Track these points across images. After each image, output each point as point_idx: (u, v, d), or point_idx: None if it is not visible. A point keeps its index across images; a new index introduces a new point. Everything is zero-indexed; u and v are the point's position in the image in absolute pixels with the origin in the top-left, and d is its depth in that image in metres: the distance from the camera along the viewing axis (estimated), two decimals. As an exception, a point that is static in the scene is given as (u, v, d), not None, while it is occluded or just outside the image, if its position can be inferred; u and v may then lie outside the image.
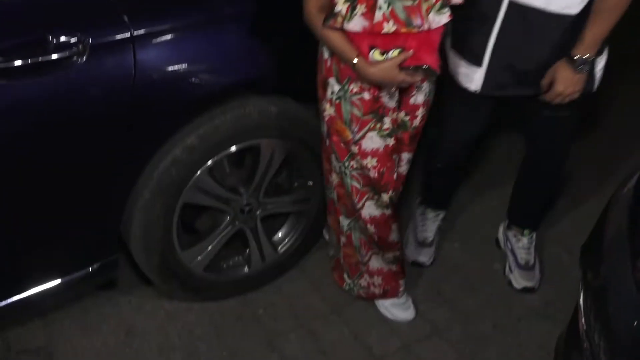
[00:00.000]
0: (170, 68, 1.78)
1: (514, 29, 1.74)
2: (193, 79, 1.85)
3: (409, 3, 1.57)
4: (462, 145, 2.19)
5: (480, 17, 1.76)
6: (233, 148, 1.99)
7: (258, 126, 2.00)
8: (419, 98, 1.87)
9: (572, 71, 1.77)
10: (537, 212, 2.38)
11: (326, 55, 1.80)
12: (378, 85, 1.75)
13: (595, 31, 1.73)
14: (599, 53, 1.82)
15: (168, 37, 1.76)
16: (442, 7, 1.60)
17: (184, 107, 1.86)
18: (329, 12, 1.62)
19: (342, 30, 1.63)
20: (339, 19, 1.60)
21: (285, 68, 1.99)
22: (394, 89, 1.79)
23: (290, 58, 2.00)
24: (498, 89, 1.89)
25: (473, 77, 1.87)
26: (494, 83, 1.86)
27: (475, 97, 1.92)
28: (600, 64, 1.87)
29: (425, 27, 1.60)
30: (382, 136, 1.84)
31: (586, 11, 1.70)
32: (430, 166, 2.34)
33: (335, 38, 1.66)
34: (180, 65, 1.80)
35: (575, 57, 1.76)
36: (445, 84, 1.96)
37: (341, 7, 1.60)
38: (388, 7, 1.57)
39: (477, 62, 1.83)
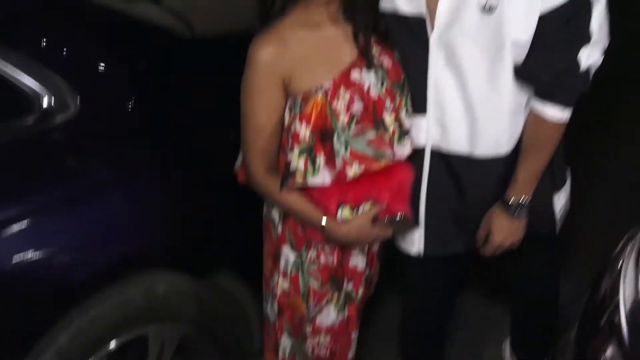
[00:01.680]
0: (20, 258, 1.37)
1: (443, 179, 1.52)
2: (54, 268, 1.43)
3: (373, 135, 1.38)
4: (435, 318, 1.85)
5: None
6: (113, 344, 1.55)
7: (143, 311, 1.58)
8: (359, 263, 1.58)
9: (508, 218, 1.52)
10: (540, 343, 2.01)
11: (276, 220, 1.52)
12: (345, 246, 1.49)
13: (528, 169, 1.49)
14: (556, 188, 1.60)
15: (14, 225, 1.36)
16: (401, 135, 1.44)
17: (47, 302, 1.44)
18: (285, 172, 1.38)
19: (302, 190, 1.40)
20: (299, 177, 1.37)
21: (174, 238, 1.63)
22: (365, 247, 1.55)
23: (180, 226, 1.64)
24: (443, 247, 1.61)
25: (413, 239, 1.60)
26: (437, 241, 1.59)
27: (424, 262, 1.62)
28: (561, 201, 1.64)
29: (396, 156, 1.44)
30: (338, 309, 1.56)
31: (518, 149, 1.51)
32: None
33: (296, 200, 1.42)
34: (35, 252, 1.39)
35: (509, 202, 1.51)
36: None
37: (297, 162, 1.37)
38: (346, 149, 1.37)
39: (414, 223, 1.57)
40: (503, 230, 1.53)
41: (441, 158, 1.50)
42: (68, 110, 1.49)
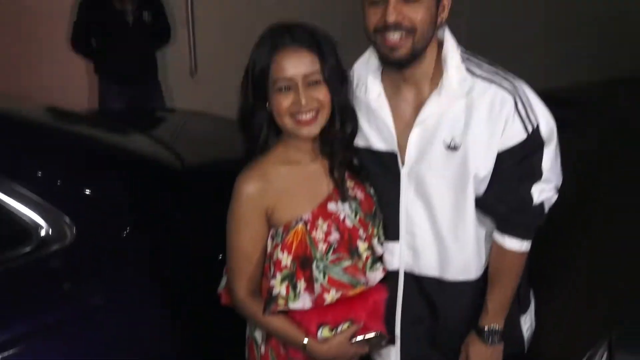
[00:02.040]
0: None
1: (416, 301, 1.56)
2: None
3: (348, 263, 1.44)
4: None
5: None
6: None
7: None
8: None
9: (484, 345, 1.56)
10: None
11: (259, 340, 1.54)
12: None
13: (496, 298, 1.53)
14: (522, 311, 1.64)
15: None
16: (373, 262, 1.49)
17: None
18: (267, 297, 1.42)
19: (285, 312, 1.43)
20: (281, 302, 1.41)
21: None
22: None
23: (170, 346, 1.66)
24: None
25: (389, 356, 1.62)
26: (413, 358, 1.61)
27: None
28: (527, 323, 1.68)
29: (369, 283, 1.48)
30: None
31: (487, 275, 1.57)
32: None
33: (278, 322, 1.45)
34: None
35: (483, 330, 1.56)
36: None
37: (279, 288, 1.41)
38: (324, 276, 1.42)
39: (390, 341, 1.59)
40: (480, 356, 1.55)
41: (414, 280, 1.55)
42: (65, 239, 1.54)
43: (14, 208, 1.53)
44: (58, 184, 1.66)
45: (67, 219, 1.57)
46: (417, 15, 1.35)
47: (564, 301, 3.06)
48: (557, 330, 2.74)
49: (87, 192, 1.69)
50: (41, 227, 1.54)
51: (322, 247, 1.42)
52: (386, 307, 1.56)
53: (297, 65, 1.36)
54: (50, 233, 1.55)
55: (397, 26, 1.34)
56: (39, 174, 1.65)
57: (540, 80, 7.04)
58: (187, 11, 4.45)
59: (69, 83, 4.23)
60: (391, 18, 1.33)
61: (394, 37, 1.35)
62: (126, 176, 1.81)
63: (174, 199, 1.82)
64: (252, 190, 1.41)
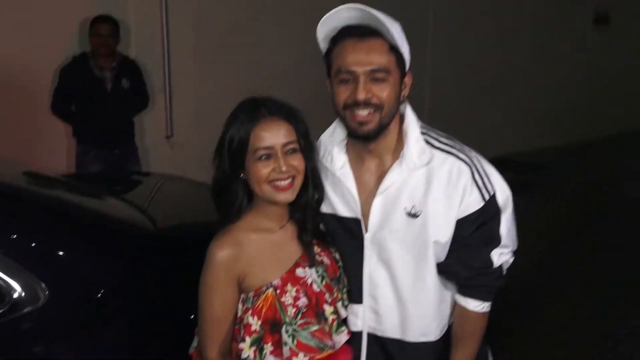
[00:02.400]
0: None
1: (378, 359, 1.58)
2: None
3: (316, 328, 1.45)
4: None
5: None
6: None
7: None
8: None
9: None
10: None
11: None
12: None
13: (460, 358, 1.57)
14: None
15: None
16: (338, 325, 1.50)
17: None
18: (236, 359, 1.43)
19: None
20: None
21: None
22: None
23: None
24: None
25: None
26: None
27: None
28: None
29: (336, 346, 1.48)
30: None
31: (448, 335, 1.60)
32: None
33: None
34: None
35: None
36: None
37: (248, 352, 1.42)
38: (293, 340, 1.42)
39: None
40: None
41: (377, 341, 1.57)
42: (37, 301, 1.55)
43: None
44: (32, 247, 1.68)
45: (40, 282, 1.58)
46: (384, 93, 1.41)
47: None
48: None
49: (61, 255, 1.71)
50: (14, 290, 1.55)
51: (291, 311, 1.43)
52: None
53: (276, 134, 1.41)
54: (23, 295, 1.55)
55: (366, 103, 1.40)
56: (13, 237, 1.67)
57: (507, 146, 7.28)
58: (164, 80, 4.57)
59: (48, 146, 4.26)
60: (361, 96, 1.39)
61: (363, 113, 1.40)
62: (99, 240, 1.83)
63: (147, 261, 1.83)
64: (225, 257, 1.42)
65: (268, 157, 1.41)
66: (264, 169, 1.41)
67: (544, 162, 6.71)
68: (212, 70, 4.78)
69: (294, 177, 1.43)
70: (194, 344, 1.58)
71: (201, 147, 4.59)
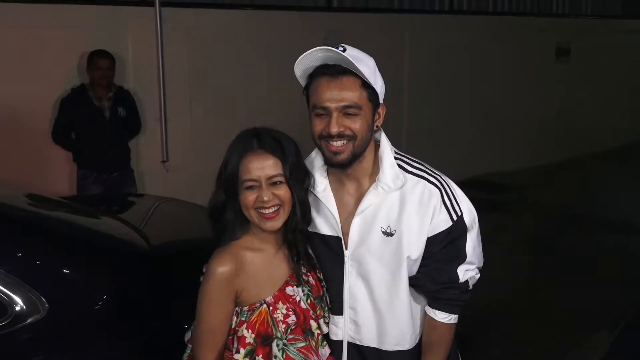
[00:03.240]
0: None
1: None
2: None
3: (302, 344, 1.47)
4: None
5: None
6: None
7: None
8: None
9: None
10: None
11: None
12: None
13: None
14: None
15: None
16: (322, 340, 1.54)
17: None
18: None
19: None
20: None
21: None
22: None
23: None
24: None
25: None
26: None
27: None
28: None
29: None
30: None
31: (420, 344, 1.62)
32: None
33: None
34: None
35: None
36: None
37: None
38: (282, 354, 1.45)
39: None
40: None
41: (356, 350, 1.60)
42: (38, 313, 1.56)
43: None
44: (33, 264, 1.69)
45: (40, 296, 1.59)
46: (356, 125, 1.44)
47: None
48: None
49: (60, 271, 1.73)
50: (16, 304, 1.56)
51: (281, 327, 1.45)
52: None
53: (261, 168, 1.43)
54: (24, 308, 1.57)
55: (339, 136, 1.43)
56: (15, 255, 1.68)
57: (480, 167, 7.36)
58: (160, 108, 4.62)
59: (49, 170, 4.27)
60: (334, 130, 1.43)
61: (337, 144, 1.44)
62: (97, 256, 1.85)
63: (140, 276, 1.85)
64: (226, 273, 1.43)
65: (253, 187, 1.44)
66: (249, 197, 1.44)
67: (514, 183, 6.78)
68: (204, 99, 4.84)
69: (279, 207, 1.45)
70: (187, 351, 1.58)
71: (194, 170, 4.66)
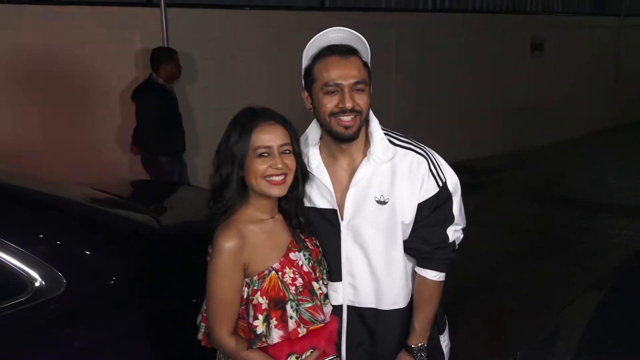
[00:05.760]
0: None
1: (358, 328, 1.60)
2: None
3: (309, 305, 1.47)
4: None
5: None
6: None
7: None
8: None
9: (413, 359, 1.60)
10: None
11: None
12: None
13: (421, 320, 1.59)
14: (441, 332, 1.69)
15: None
16: (325, 298, 1.55)
17: None
18: (253, 335, 1.42)
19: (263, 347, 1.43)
20: (263, 339, 1.42)
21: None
22: None
23: None
24: None
25: None
26: None
27: None
28: (445, 341, 1.73)
29: (327, 319, 1.51)
30: None
31: (412, 303, 1.61)
32: None
33: (256, 356, 1.44)
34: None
35: (411, 347, 1.60)
36: None
37: (262, 328, 1.42)
38: (297, 314, 1.44)
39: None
40: None
41: (355, 312, 1.59)
42: (57, 289, 1.53)
43: (14, 264, 1.53)
44: (51, 244, 1.66)
45: (59, 273, 1.56)
46: (363, 101, 1.45)
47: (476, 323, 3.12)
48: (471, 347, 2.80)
49: (76, 250, 1.69)
50: (35, 280, 1.53)
51: (292, 289, 1.44)
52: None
53: (274, 136, 1.42)
54: (43, 284, 1.54)
55: (351, 110, 1.44)
56: (35, 236, 1.64)
57: (463, 153, 7.39)
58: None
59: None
60: (349, 104, 1.43)
61: (348, 118, 1.44)
62: (112, 235, 1.81)
63: (155, 253, 1.82)
64: (233, 247, 1.41)
65: (267, 155, 1.41)
66: (261, 165, 1.41)
67: (494, 167, 6.81)
68: (213, 92, 4.78)
69: (286, 175, 1.43)
70: (202, 330, 1.55)
71: (197, 168, 4.60)
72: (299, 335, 1.44)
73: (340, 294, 1.58)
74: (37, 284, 1.53)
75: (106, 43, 4.20)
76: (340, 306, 1.59)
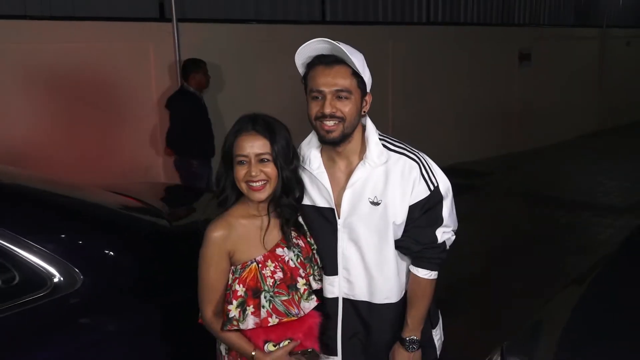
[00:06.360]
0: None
1: (352, 320, 1.60)
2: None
3: (285, 298, 1.48)
4: None
5: (327, 317, 1.61)
6: None
7: None
8: None
9: (406, 352, 1.60)
10: None
11: (223, 352, 1.55)
12: None
13: (414, 315, 1.59)
14: (433, 326, 1.70)
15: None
16: (309, 295, 1.53)
17: None
18: (225, 318, 1.46)
19: (238, 330, 1.47)
20: (235, 322, 1.46)
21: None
22: None
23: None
24: None
25: None
26: None
27: None
28: (438, 335, 1.73)
29: (301, 313, 1.50)
30: None
31: (405, 298, 1.61)
32: None
33: (233, 337, 1.48)
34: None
35: (405, 340, 1.61)
36: None
37: (234, 312, 1.46)
38: (269, 304, 1.46)
39: (333, 352, 1.62)
40: None
41: (350, 305, 1.60)
42: (75, 285, 1.55)
43: (34, 261, 1.54)
44: (69, 243, 1.67)
45: (76, 270, 1.57)
46: (346, 108, 1.46)
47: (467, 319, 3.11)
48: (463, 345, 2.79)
49: (92, 249, 1.70)
50: (54, 276, 1.55)
51: (269, 281, 1.47)
52: (329, 327, 1.60)
53: (251, 146, 1.45)
54: (62, 280, 1.55)
55: (331, 116, 1.45)
56: (55, 235, 1.66)
57: (457, 156, 7.37)
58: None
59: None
60: (327, 110, 1.45)
61: (329, 123, 1.46)
62: (125, 234, 1.82)
63: (163, 249, 1.84)
64: (218, 236, 1.46)
65: (244, 162, 1.45)
66: (240, 171, 1.46)
67: (486, 169, 6.79)
68: (222, 101, 4.79)
69: (266, 182, 1.46)
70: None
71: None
72: (269, 324, 1.46)
73: (336, 287, 1.59)
74: (55, 280, 1.54)
75: (123, 55, 4.22)
76: (337, 298, 1.60)
